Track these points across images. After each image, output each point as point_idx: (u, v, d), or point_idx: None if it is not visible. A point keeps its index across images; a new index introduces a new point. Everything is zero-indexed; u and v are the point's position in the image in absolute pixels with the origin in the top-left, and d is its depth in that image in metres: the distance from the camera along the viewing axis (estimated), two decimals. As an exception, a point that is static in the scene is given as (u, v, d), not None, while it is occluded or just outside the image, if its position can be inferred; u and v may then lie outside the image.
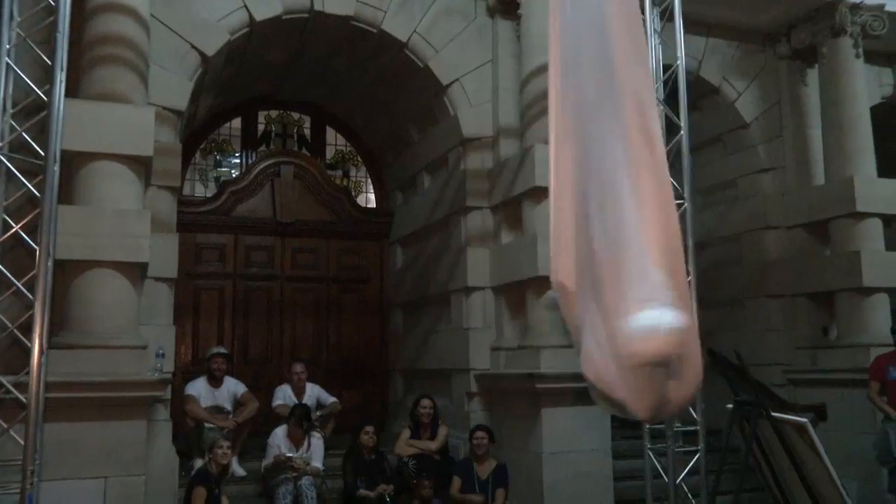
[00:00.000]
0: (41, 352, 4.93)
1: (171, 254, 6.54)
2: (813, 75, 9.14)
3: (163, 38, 6.69)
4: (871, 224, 8.36)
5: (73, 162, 5.64)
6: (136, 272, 5.80)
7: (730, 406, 4.90)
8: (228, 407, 7.35)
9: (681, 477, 6.29)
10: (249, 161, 9.97)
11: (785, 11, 8.90)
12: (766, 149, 9.32)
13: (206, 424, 7.00)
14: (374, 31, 7.81)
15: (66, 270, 5.52)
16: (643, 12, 6.55)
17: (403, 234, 9.80)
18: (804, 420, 4.50)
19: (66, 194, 5.58)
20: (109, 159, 5.70)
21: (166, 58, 6.73)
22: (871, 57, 9.18)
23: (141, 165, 5.93)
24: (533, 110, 7.20)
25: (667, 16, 6.71)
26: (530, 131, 7.31)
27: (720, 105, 9.38)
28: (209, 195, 9.67)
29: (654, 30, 6.66)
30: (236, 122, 10.04)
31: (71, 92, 5.51)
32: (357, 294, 10.10)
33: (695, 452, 6.30)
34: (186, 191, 9.42)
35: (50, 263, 5.06)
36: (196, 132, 9.44)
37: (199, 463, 6.71)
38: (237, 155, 10.08)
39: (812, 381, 8.50)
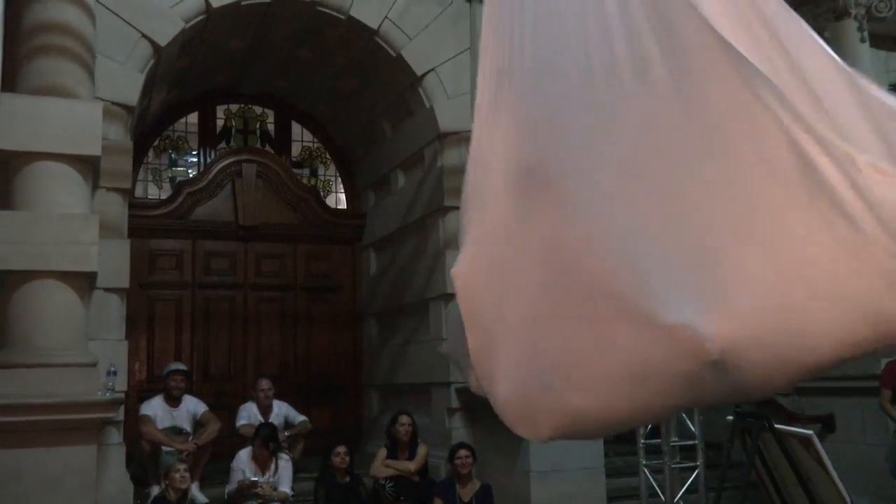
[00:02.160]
0: (-22, 372, 4.87)
1: (122, 262, 6.49)
2: (815, 61, 9.22)
3: (110, 26, 6.64)
4: (880, 218, 8.44)
5: (12, 163, 5.59)
6: (83, 282, 5.74)
7: (730, 418, 4.92)
8: (188, 428, 7.28)
9: (679, 496, 6.31)
10: (208, 159, 9.92)
11: (785, -8, 8.97)
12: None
13: (164, 448, 6.92)
14: (342, 17, 7.80)
15: (6, 282, 5.47)
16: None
17: (377, 237, 9.79)
18: (809, 432, 4.53)
19: (5, 198, 5.53)
20: (52, 159, 5.65)
21: (114, 48, 6.68)
22: (878, 41, 9.26)
23: (87, 166, 5.88)
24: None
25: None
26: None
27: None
28: (164, 197, 9.60)
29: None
30: (193, 118, 9.98)
31: (7, 86, 5.47)
32: (327, 303, 10.07)
33: (693, 469, 6.32)
34: (139, 193, 9.36)
35: (-13, 274, 5.00)
36: (149, 129, 9.37)
37: (156, 490, 6.64)
38: (194, 153, 10.02)
39: (819, 389, 8.50)
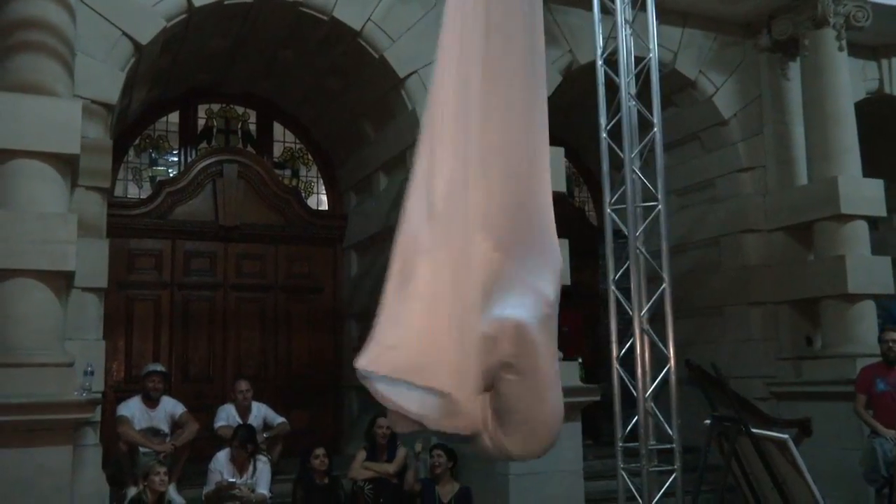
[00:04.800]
0: (-48, 371, 4.82)
1: (100, 261, 6.43)
2: (795, 69, 9.30)
3: (91, 23, 6.58)
4: (857, 227, 8.52)
5: (-11, 160, 5.53)
6: (61, 282, 5.69)
7: (707, 422, 4.95)
8: (166, 429, 7.23)
9: (656, 499, 6.32)
10: (188, 159, 9.86)
11: (765, 1, 9.04)
12: (745, 146, 9.45)
13: (141, 449, 6.88)
14: (325, 18, 7.77)
15: (-18, 280, 5.40)
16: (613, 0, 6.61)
17: (358, 238, 9.76)
18: (785, 436, 4.56)
19: (-19, 196, 5.47)
20: (30, 157, 5.60)
21: (95, 46, 6.62)
22: (856, 50, 9.38)
23: (66, 164, 5.83)
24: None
25: (639, 5, 6.76)
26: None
27: (697, 100, 9.50)
28: (143, 196, 9.53)
29: (626, 20, 6.71)
30: (174, 117, 9.92)
31: (-15, 83, 5.40)
32: (308, 304, 10.03)
33: (671, 472, 6.34)
34: (118, 192, 9.28)
35: (-37, 273, 4.95)
36: (129, 127, 9.30)
37: (132, 491, 6.58)
38: (175, 152, 9.97)
39: (796, 394, 8.62)
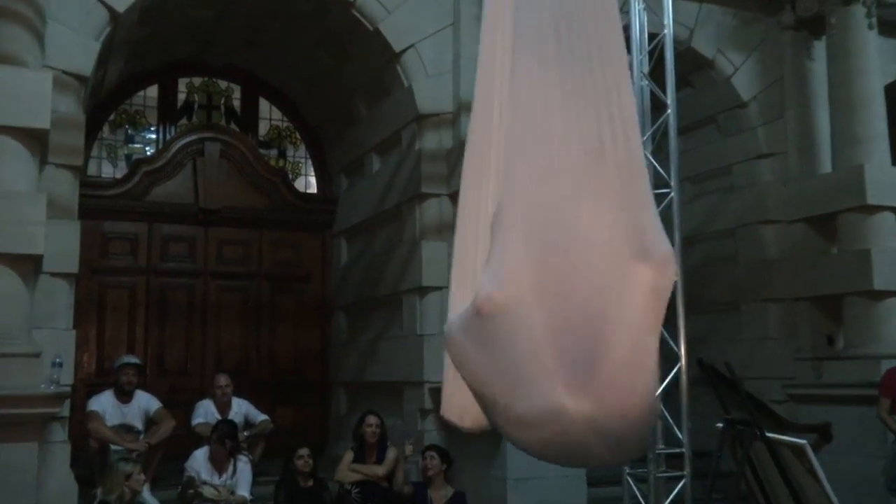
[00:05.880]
0: (-90, 360, 4.81)
1: (71, 245, 6.43)
2: (820, 48, 9.27)
3: (63, -11, 6.55)
4: (884, 219, 8.50)
5: (-48, 135, 5.51)
6: (28, 266, 5.69)
7: (720, 425, 4.95)
8: (139, 426, 7.24)
9: (664, 506, 6.34)
10: (167, 136, 9.85)
11: (789, -26, 9.01)
12: (765, 131, 9.43)
13: (113, 446, 6.89)
14: (316, -15, 7.75)
15: (-57, 264, 5.40)
16: (627, -29, 6.58)
17: (349, 224, 9.76)
18: (803, 441, 4.55)
19: (-57, 173, 5.45)
20: (-4, 132, 5.58)
21: (67, 13, 6.60)
22: (886, 28, 9.32)
23: (35, 140, 5.82)
24: (500, 82, 7.18)
25: (653, -24, 6.73)
26: (497, 106, 7.29)
27: (714, 80, 9.48)
28: (119, 176, 9.53)
29: (639, -8, 6.68)
30: (152, 91, 9.91)
31: (-51, 51, 5.38)
32: (294, 294, 10.05)
33: (680, 478, 6.35)
34: (91, 171, 9.30)
35: (-78, 255, 4.94)
36: (104, 101, 9.29)
37: (104, 492, 6.59)
38: (153, 129, 9.96)
39: (815, 396, 8.62)
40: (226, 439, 6.86)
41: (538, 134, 3.07)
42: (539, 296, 2.87)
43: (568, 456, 3.14)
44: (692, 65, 9.28)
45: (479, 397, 3.11)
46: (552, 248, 2.93)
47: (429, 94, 8.08)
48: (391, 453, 7.34)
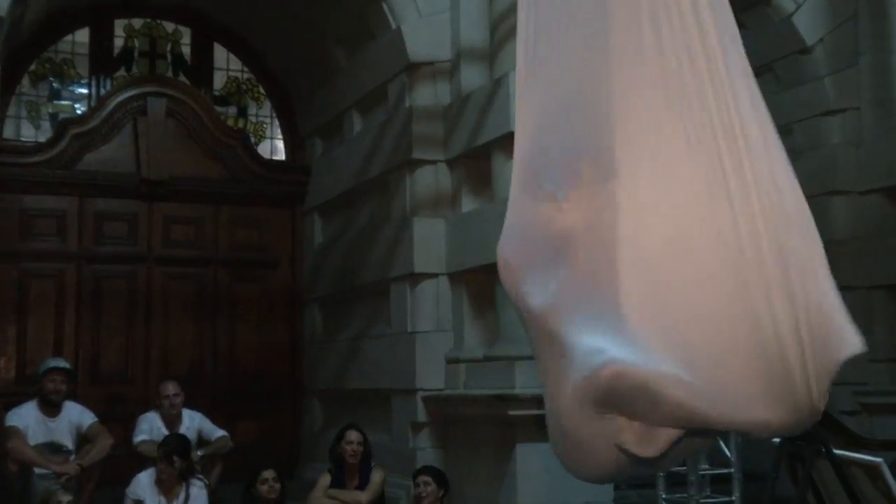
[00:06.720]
0: None
1: (-17, 224, 6.44)
2: (903, -21, 9.25)
3: None
4: (979, 189, 8.52)
5: None
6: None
7: (776, 441, 4.96)
8: (70, 445, 7.27)
9: (709, 540, 6.37)
10: (101, 91, 9.86)
11: None
12: (833, 82, 9.41)
13: (37, 470, 6.91)
14: None
15: None
16: None
17: (325, 198, 9.77)
18: (879, 460, 4.58)
19: None
20: None
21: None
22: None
23: (-62, 94, 5.80)
24: (508, 23, 7.18)
25: None
26: (504, 53, 7.29)
27: (771, 20, 9.45)
28: (42, 140, 9.54)
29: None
30: (82, 35, 9.92)
31: None
32: (258, 284, 10.09)
33: (728, 505, 6.38)
34: (8, 133, 9.34)
35: None
36: (23, 47, 9.23)
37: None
38: (84, 82, 9.97)
39: (894, 406, 8.65)
40: (174, 455, 6.86)
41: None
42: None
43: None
44: (745, 1, 9.25)
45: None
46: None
47: (422, 39, 8.06)
48: (377, 476, 7.35)
